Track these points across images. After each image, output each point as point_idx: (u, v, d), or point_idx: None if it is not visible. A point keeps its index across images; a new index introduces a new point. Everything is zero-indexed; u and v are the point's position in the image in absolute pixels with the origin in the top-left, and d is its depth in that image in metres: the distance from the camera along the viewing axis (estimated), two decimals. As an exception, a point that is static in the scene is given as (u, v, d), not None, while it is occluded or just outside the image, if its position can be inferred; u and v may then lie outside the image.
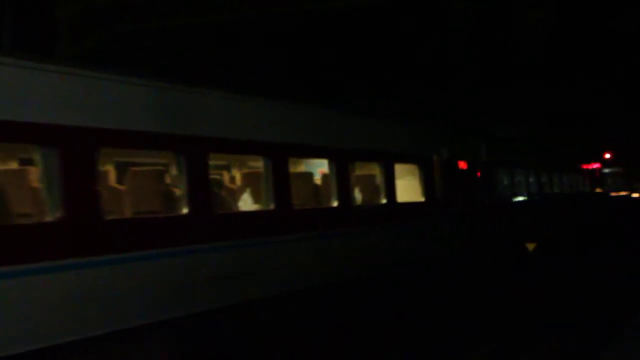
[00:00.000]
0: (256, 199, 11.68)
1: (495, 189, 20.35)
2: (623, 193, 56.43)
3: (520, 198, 22.83)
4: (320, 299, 12.12)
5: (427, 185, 15.67)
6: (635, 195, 59.08)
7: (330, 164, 12.67)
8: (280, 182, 11.27)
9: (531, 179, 24.03)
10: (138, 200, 9.71)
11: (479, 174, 18.75)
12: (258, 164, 11.57)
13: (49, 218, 7.86)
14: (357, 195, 13.58)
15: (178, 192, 9.72)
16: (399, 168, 14.69)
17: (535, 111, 42.17)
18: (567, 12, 29.51)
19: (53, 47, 29.65)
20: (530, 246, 18.32)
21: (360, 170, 14.46)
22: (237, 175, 12.83)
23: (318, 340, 11.65)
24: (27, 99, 7.80)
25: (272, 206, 11.12)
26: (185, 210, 9.56)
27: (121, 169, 10.59)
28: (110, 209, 9.04)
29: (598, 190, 42.22)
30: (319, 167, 13.50)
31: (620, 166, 62.94)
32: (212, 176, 10.65)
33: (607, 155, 71.43)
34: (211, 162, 10.35)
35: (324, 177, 13.11)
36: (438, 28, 30.88)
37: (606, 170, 55.00)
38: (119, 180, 10.37)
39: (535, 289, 17.97)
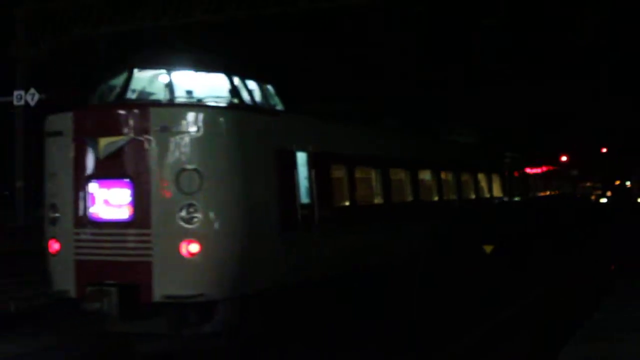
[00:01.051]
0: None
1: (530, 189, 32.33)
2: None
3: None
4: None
5: (504, 186, 25.67)
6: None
7: (475, 175, 22.54)
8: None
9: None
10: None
11: (521, 178, 29.96)
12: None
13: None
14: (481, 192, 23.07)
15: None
16: (494, 177, 24.63)
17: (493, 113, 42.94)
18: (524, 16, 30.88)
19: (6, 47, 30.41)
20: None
21: (484, 176, 23.69)
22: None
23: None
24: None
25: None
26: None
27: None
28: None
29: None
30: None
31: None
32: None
33: (564, 158, 74.32)
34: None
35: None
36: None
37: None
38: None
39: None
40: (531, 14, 30.59)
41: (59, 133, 11.55)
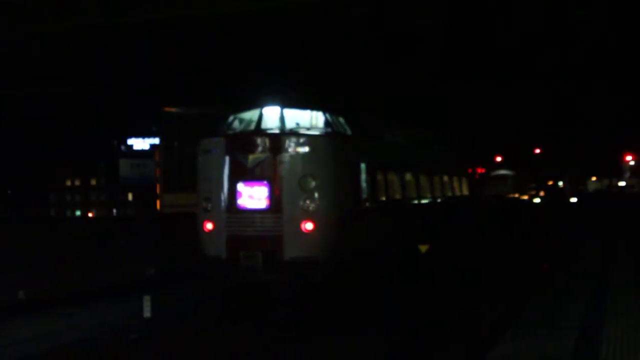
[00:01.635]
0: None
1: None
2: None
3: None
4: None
5: (469, 186, 31.35)
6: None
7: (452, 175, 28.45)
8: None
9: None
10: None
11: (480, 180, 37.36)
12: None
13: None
14: (458, 189, 29.37)
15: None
16: (463, 178, 30.47)
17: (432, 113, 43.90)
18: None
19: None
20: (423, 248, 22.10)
21: (456, 177, 29.32)
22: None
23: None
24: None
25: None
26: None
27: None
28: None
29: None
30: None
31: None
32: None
33: (499, 159, 79.54)
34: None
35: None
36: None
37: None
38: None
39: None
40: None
41: (212, 150, 17.34)
